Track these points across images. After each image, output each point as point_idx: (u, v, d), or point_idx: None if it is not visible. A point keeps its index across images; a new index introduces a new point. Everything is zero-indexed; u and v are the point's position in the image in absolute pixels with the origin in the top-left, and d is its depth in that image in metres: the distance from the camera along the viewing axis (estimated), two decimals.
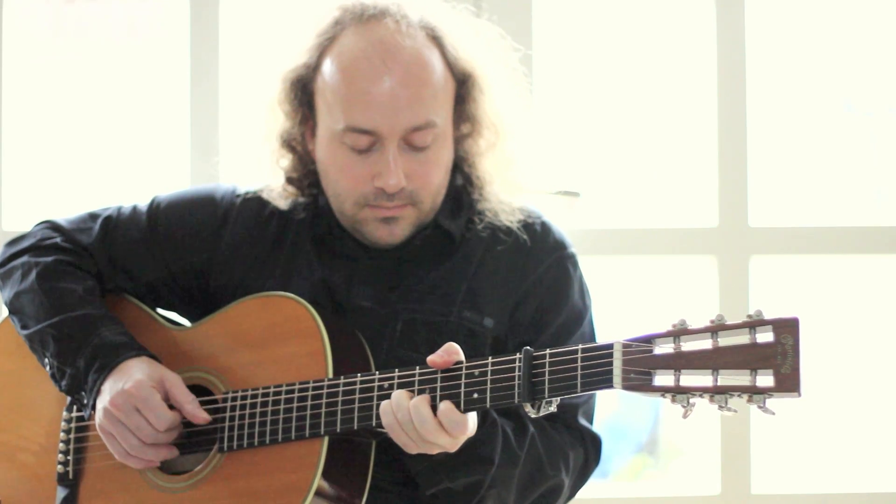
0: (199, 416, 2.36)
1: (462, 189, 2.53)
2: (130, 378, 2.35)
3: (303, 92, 2.46)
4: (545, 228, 2.53)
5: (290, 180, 2.53)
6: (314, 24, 2.45)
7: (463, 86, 2.46)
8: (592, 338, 2.51)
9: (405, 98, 2.38)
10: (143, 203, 2.59)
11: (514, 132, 2.52)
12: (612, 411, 4.01)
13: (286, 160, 2.53)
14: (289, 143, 2.51)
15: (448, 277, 2.47)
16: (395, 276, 2.48)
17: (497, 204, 2.51)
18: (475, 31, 2.49)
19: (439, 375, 2.21)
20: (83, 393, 2.41)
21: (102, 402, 2.36)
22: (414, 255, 2.48)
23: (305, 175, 2.53)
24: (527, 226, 2.51)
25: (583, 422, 2.47)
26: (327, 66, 2.42)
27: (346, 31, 2.42)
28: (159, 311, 2.57)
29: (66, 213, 2.61)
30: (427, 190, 2.43)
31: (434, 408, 2.20)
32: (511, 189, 2.53)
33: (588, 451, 2.47)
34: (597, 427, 2.50)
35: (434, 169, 2.43)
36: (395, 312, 2.45)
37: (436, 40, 2.43)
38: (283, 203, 2.54)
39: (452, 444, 2.23)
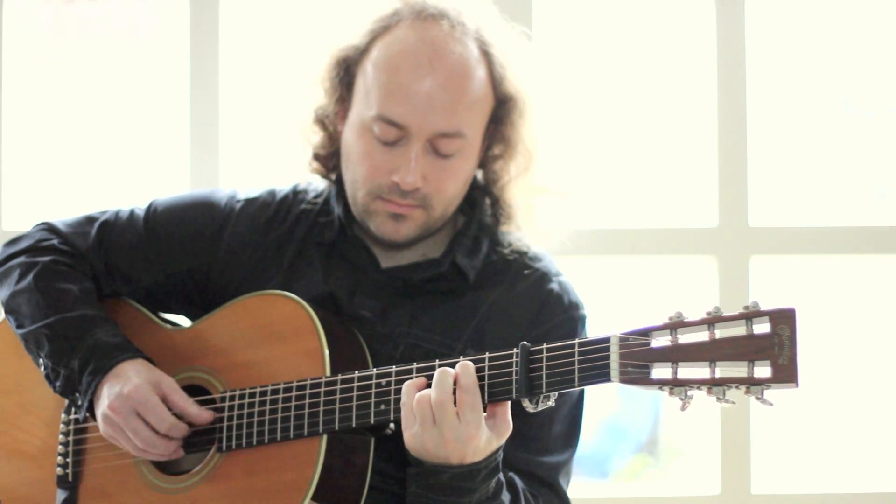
0: (204, 416, 2.37)
1: (485, 227, 2.53)
2: (128, 382, 2.35)
3: (346, 72, 2.48)
4: (563, 287, 2.52)
5: (317, 156, 2.56)
6: (373, 9, 2.48)
7: (503, 106, 2.48)
8: (580, 398, 2.49)
9: (441, 102, 2.39)
10: (140, 207, 2.59)
11: (546, 163, 2.53)
12: (612, 411, 4.00)
13: (316, 137, 2.55)
14: (321, 121, 2.54)
15: (458, 313, 2.47)
16: (401, 296, 2.47)
17: (519, 242, 2.52)
18: (527, 55, 2.51)
19: (437, 370, 2.19)
20: (77, 394, 2.41)
21: (101, 407, 2.37)
22: (426, 285, 2.48)
23: (331, 155, 2.55)
24: (545, 280, 2.50)
25: (562, 484, 2.46)
26: (375, 53, 2.44)
27: (401, 23, 2.45)
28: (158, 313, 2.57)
29: (66, 213, 2.61)
30: (441, 196, 2.44)
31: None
32: (534, 218, 2.54)
33: None
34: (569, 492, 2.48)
35: (452, 178, 2.44)
36: (399, 335, 2.44)
37: (486, 55, 2.45)
38: (302, 182, 2.56)
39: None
